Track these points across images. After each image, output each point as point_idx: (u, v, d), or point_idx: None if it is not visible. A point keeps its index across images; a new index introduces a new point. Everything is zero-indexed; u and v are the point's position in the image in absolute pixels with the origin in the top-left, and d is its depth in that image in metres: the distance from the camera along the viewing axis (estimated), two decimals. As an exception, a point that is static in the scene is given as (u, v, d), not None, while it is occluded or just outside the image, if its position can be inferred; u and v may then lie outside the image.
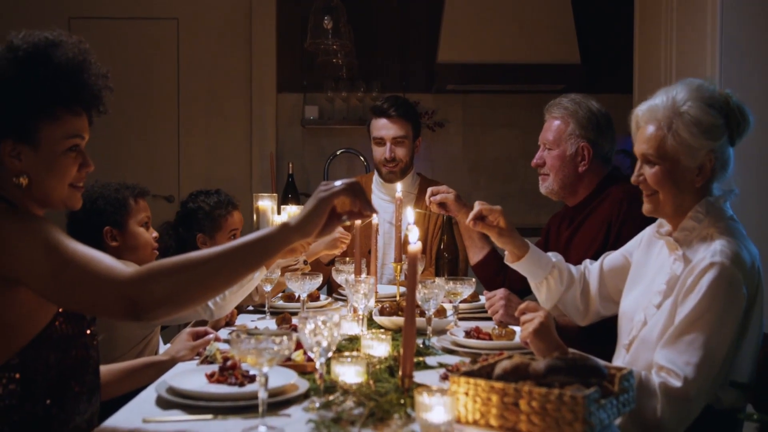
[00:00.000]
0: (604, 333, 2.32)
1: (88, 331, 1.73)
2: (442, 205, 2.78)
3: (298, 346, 1.81)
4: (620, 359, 2.02)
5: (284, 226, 1.55)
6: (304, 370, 1.87)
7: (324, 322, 1.59)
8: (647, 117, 1.95)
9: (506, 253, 2.35)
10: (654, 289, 1.95)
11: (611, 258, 2.29)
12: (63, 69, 1.66)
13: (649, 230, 2.16)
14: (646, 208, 2.00)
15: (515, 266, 2.35)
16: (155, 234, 2.61)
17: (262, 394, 1.48)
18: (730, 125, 1.90)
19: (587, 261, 2.37)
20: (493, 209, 2.29)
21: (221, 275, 1.52)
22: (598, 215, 2.65)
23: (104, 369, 2.12)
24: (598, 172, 2.73)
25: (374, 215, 2.65)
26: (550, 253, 2.37)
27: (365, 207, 1.61)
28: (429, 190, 2.84)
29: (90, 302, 1.52)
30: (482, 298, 2.89)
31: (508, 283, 2.84)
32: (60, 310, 1.66)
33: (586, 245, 2.59)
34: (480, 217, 2.32)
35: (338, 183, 1.59)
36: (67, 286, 1.50)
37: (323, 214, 1.57)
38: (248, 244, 1.54)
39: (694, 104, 1.88)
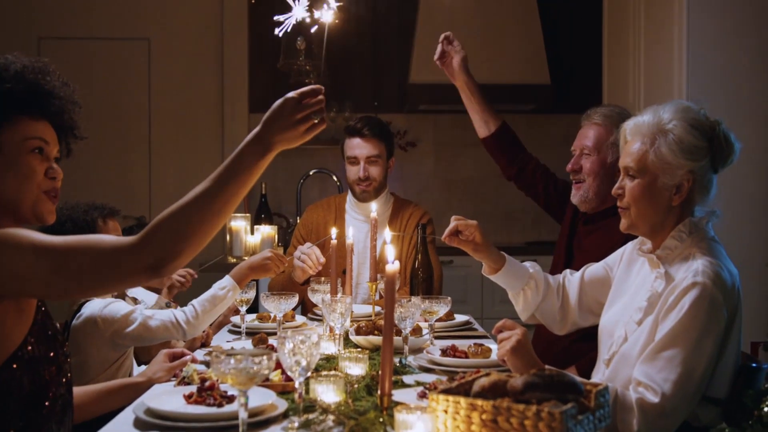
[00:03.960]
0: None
1: (61, 352, 1.71)
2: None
3: (276, 366, 1.81)
4: (600, 374, 2.04)
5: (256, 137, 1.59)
6: (283, 389, 1.87)
7: (303, 342, 1.60)
8: (634, 131, 1.99)
9: (483, 265, 2.37)
10: (635, 305, 1.98)
11: (592, 269, 2.31)
12: (19, 73, 1.67)
13: (630, 246, 2.18)
14: (623, 224, 2.04)
15: (493, 278, 2.37)
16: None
17: (243, 414, 1.48)
18: (713, 150, 1.93)
19: (567, 271, 2.38)
20: (468, 224, 2.31)
21: (219, 199, 1.55)
22: (615, 229, 2.64)
23: (79, 390, 2.10)
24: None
25: (349, 235, 2.69)
26: (527, 263, 2.39)
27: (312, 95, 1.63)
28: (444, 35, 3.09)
29: (105, 280, 1.54)
30: (458, 317, 2.91)
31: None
32: (31, 331, 1.63)
33: (600, 252, 2.57)
34: (455, 233, 2.33)
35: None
36: (74, 275, 1.51)
37: (276, 112, 1.61)
38: (231, 162, 1.57)
39: (679, 124, 1.92)
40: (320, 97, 1.64)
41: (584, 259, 2.48)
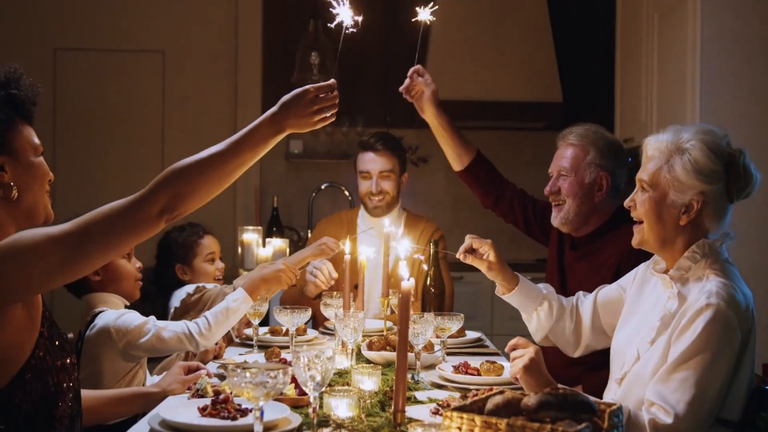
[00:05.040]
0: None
1: (68, 360, 1.72)
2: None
3: (291, 380, 1.81)
4: (612, 394, 2.04)
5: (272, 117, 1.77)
6: (297, 403, 1.88)
7: (318, 357, 1.61)
8: (653, 147, 2.00)
9: (497, 286, 2.37)
10: (648, 325, 1.98)
11: (606, 291, 2.31)
12: (11, 79, 1.69)
13: (643, 266, 2.18)
14: (634, 239, 2.04)
15: (505, 298, 2.37)
16: (138, 264, 2.60)
17: (257, 428, 1.49)
18: (729, 176, 1.93)
19: (580, 293, 2.38)
20: (483, 242, 2.32)
21: (231, 163, 1.71)
22: (609, 252, 2.65)
23: (93, 394, 2.12)
24: (611, 205, 2.72)
25: (362, 251, 2.70)
26: (540, 285, 2.39)
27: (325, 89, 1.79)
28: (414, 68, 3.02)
29: (127, 235, 1.61)
30: (469, 334, 2.91)
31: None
32: (38, 341, 1.64)
33: (592, 278, 2.57)
34: (470, 250, 2.34)
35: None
36: (98, 246, 1.57)
37: (295, 99, 1.77)
38: (246, 134, 1.74)
39: (696, 144, 1.92)
40: (335, 92, 1.80)
41: (578, 285, 2.47)
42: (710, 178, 1.92)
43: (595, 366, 2.50)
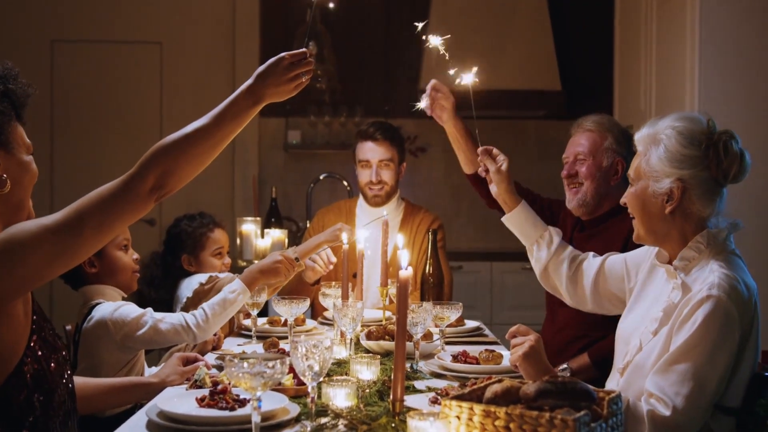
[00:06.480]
0: None
1: (61, 355, 1.70)
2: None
3: (289, 370, 1.81)
4: (614, 382, 2.04)
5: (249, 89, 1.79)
6: (296, 393, 1.87)
7: (316, 346, 1.60)
8: (638, 141, 2.01)
9: (505, 213, 2.43)
10: (651, 315, 1.97)
11: (613, 259, 2.30)
12: (4, 75, 1.68)
13: (654, 250, 2.17)
14: (633, 235, 2.05)
15: (508, 221, 2.43)
16: (136, 256, 2.59)
17: (255, 418, 1.48)
18: (710, 160, 1.90)
19: (591, 253, 2.39)
20: (501, 153, 2.43)
21: (214, 137, 1.73)
22: (616, 230, 2.68)
23: (91, 382, 2.12)
24: (621, 192, 2.74)
25: (361, 240, 2.69)
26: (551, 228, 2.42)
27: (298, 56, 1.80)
28: (432, 84, 2.90)
29: (121, 216, 1.61)
30: (468, 323, 2.91)
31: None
32: (31, 336, 1.63)
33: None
34: (489, 153, 2.45)
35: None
36: (92, 226, 1.57)
37: (270, 68, 1.80)
38: (226, 108, 1.76)
39: (670, 132, 1.92)
40: (310, 59, 1.83)
41: None
42: (684, 163, 1.90)
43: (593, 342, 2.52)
